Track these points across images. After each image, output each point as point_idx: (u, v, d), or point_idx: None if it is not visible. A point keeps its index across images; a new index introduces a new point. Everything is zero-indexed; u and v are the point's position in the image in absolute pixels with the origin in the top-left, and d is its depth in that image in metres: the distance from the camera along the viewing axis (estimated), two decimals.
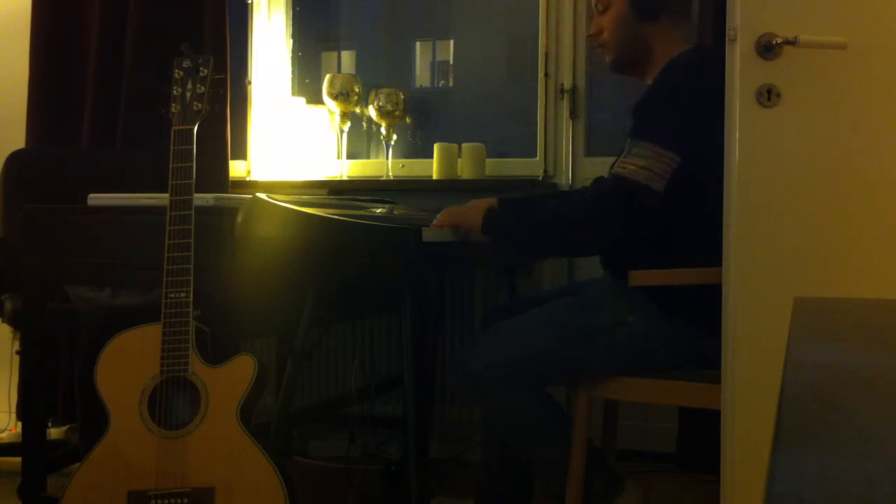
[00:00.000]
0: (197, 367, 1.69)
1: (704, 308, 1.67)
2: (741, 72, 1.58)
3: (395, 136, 2.99)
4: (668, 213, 1.74)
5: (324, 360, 2.91)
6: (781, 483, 0.40)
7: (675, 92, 1.79)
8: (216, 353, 1.73)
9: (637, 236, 1.78)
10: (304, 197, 2.15)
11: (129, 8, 2.91)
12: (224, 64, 2.85)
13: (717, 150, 1.61)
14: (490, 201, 1.86)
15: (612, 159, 1.88)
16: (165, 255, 1.71)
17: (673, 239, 1.79)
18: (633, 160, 1.73)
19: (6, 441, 2.98)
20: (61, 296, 2.12)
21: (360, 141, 3.21)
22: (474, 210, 1.86)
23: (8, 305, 2.45)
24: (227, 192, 2.85)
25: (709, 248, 1.64)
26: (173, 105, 1.81)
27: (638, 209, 1.72)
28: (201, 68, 1.85)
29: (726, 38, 1.59)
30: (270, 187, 2.90)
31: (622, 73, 2.01)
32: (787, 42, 1.57)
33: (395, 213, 2.21)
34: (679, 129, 1.75)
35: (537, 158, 2.91)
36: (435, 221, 1.92)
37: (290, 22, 3.25)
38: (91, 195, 1.97)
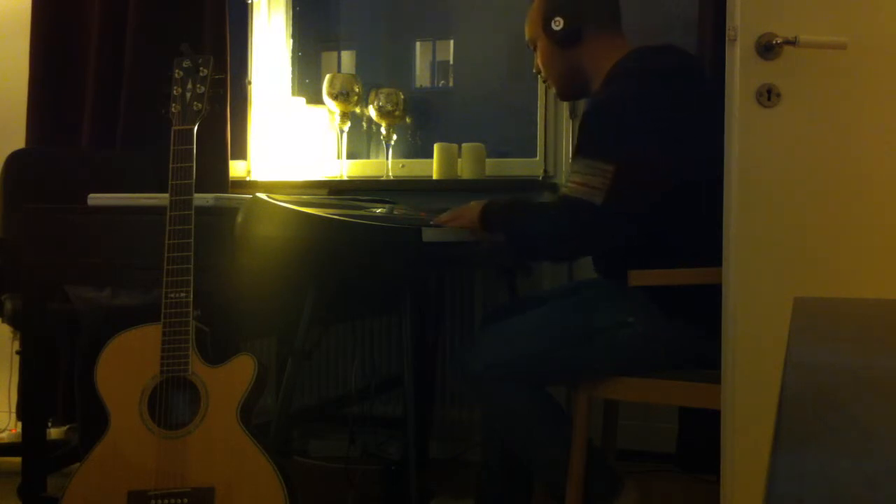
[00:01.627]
0: (197, 367, 1.69)
1: (704, 308, 1.67)
2: (741, 72, 1.58)
3: (395, 136, 2.99)
4: (649, 214, 1.76)
5: (324, 360, 2.90)
6: (781, 483, 0.40)
7: (609, 103, 1.85)
8: (216, 353, 1.73)
9: (601, 248, 1.86)
10: (304, 197, 2.15)
11: (129, 8, 2.91)
12: (224, 64, 2.85)
13: (662, 147, 1.69)
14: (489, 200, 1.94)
15: None
16: (165, 255, 1.71)
17: (657, 239, 1.81)
18: (573, 178, 1.79)
19: (6, 441, 2.98)
20: (61, 296, 2.12)
21: (360, 141, 3.21)
22: (473, 208, 1.93)
23: (8, 305, 2.45)
24: (227, 192, 2.85)
25: (705, 249, 1.65)
26: (173, 105, 1.81)
27: (586, 223, 1.77)
28: (201, 68, 1.84)
29: (726, 38, 1.59)
30: (270, 187, 2.90)
31: (573, 100, 2.07)
32: (787, 42, 1.57)
33: (395, 213, 2.21)
34: (612, 139, 1.79)
35: (537, 158, 2.91)
36: (437, 219, 1.95)
37: (290, 22, 3.25)
38: (91, 195, 1.97)
